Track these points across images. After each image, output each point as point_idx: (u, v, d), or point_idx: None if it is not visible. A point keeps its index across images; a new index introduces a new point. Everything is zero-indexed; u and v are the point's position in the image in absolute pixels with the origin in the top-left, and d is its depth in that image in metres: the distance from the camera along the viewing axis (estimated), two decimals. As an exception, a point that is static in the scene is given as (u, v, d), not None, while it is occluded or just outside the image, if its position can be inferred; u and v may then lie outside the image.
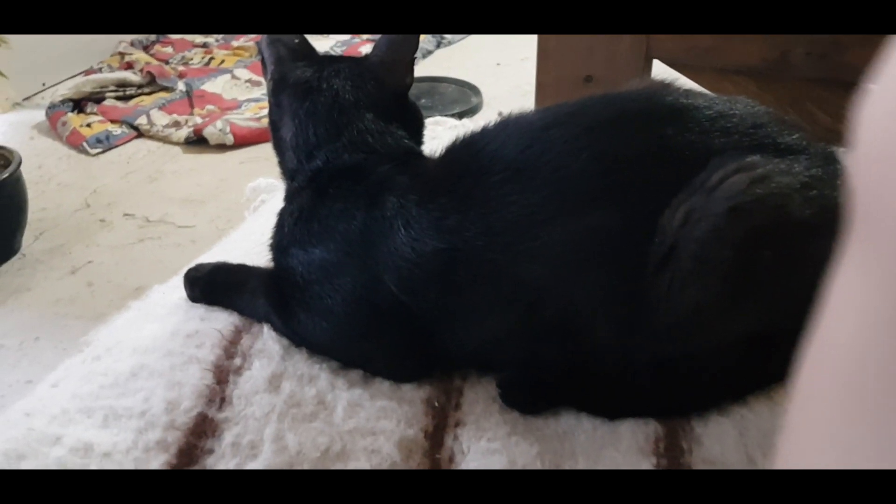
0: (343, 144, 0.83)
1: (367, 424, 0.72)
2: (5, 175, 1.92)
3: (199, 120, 2.63)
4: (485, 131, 0.78)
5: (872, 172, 0.27)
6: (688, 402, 0.75)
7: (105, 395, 0.74)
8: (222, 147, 2.51)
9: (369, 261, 0.76)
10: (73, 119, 2.61)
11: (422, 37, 3.05)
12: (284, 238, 0.84)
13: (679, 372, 0.72)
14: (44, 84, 2.88)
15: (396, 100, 0.88)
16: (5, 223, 2.00)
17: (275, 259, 0.85)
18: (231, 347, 0.80)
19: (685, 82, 0.88)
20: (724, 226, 0.65)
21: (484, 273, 0.72)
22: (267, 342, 0.81)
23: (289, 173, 0.89)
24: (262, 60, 0.92)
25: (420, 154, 0.86)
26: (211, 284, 0.89)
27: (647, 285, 0.68)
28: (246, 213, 1.21)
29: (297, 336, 0.81)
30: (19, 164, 1.96)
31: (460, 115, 2.36)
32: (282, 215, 0.86)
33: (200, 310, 0.86)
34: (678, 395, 0.74)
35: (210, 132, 2.52)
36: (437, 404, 0.76)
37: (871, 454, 0.25)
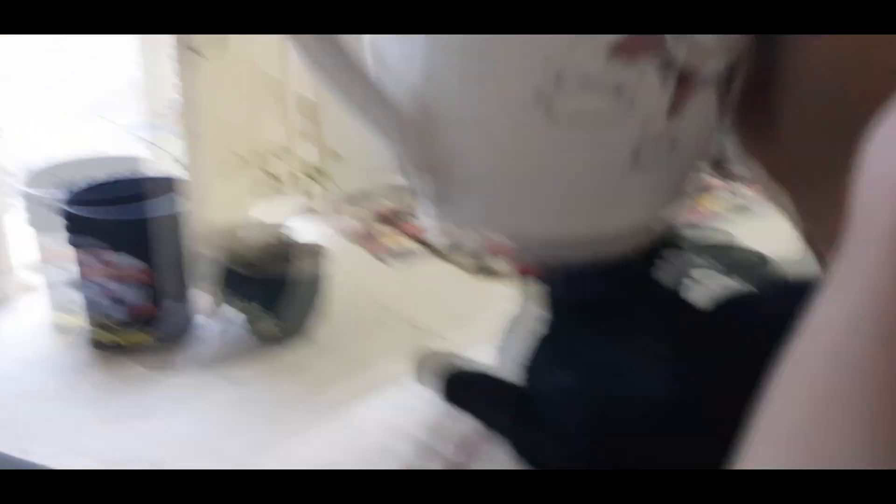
0: None
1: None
2: (312, 269, 2.14)
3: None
4: None
5: (874, 195, 0.30)
6: None
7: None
8: (507, 277, 2.59)
9: None
10: (379, 228, 2.84)
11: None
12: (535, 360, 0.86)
13: None
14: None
15: None
16: (305, 309, 2.20)
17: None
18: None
19: None
20: None
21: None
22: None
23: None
24: None
25: None
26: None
27: None
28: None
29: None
30: (323, 259, 2.18)
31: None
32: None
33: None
34: None
35: (499, 265, 2.62)
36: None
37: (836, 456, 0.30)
